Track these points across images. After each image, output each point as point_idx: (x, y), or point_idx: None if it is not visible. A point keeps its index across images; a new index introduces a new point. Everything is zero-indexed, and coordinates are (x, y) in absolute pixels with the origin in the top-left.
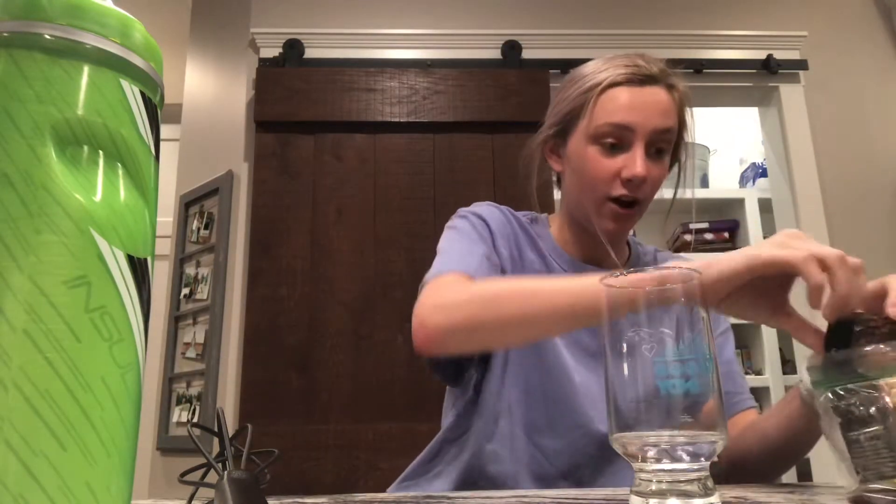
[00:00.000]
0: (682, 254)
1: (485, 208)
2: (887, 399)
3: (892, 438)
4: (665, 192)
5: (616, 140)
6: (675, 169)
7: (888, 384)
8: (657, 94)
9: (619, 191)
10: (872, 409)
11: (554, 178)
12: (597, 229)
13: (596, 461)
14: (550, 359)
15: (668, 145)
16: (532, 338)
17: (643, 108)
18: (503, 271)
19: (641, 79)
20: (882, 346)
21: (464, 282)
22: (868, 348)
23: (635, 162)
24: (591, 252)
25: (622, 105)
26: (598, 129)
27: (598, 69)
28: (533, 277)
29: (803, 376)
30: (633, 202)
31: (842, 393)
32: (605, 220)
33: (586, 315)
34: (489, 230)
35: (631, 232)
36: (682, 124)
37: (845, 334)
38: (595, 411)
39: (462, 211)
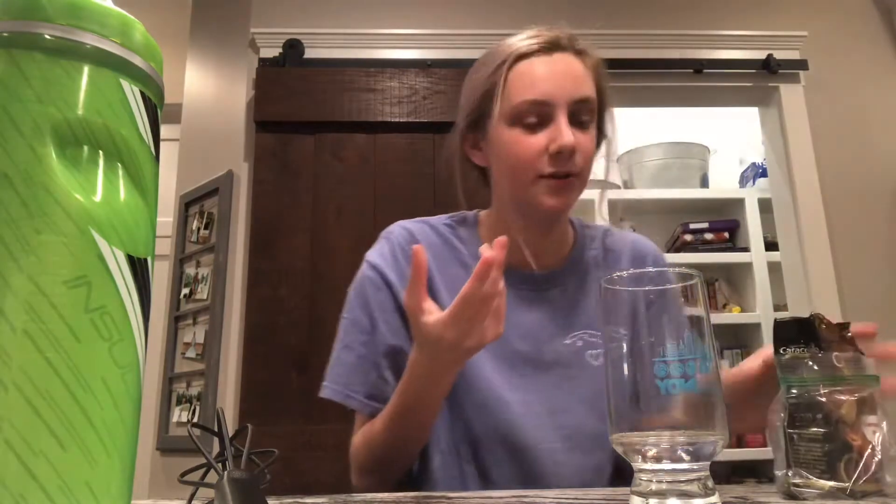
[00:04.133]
0: (636, 234)
1: (386, 248)
2: (832, 409)
3: (831, 447)
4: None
5: (536, 117)
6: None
7: (834, 395)
8: (567, 61)
9: (549, 168)
10: (819, 415)
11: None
12: (536, 211)
13: (548, 481)
14: (483, 388)
15: (591, 115)
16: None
17: (557, 78)
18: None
19: (548, 46)
20: (836, 354)
21: (357, 451)
22: (820, 355)
23: (561, 133)
24: (523, 251)
25: (535, 78)
26: (514, 109)
27: (500, 47)
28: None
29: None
30: (567, 174)
31: (793, 391)
32: (543, 197)
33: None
34: (387, 286)
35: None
36: (601, 94)
37: (793, 332)
38: (538, 430)
39: (363, 267)
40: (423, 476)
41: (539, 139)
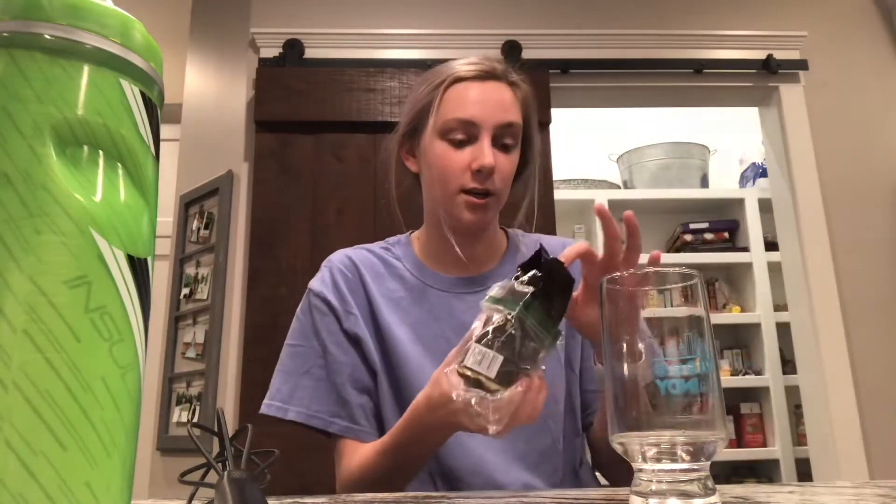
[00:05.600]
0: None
1: (327, 276)
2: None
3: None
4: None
5: (463, 135)
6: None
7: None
8: (499, 90)
9: (470, 183)
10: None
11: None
12: (456, 223)
13: (495, 470)
14: (416, 384)
15: (514, 140)
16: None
17: (486, 103)
18: (354, 338)
19: (483, 75)
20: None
21: (344, 469)
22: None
23: (483, 153)
24: (457, 255)
25: (466, 100)
26: (445, 125)
27: (444, 68)
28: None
29: None
30: (486, 193)
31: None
32: (462, 211)
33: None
34: (331, 311)
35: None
36: (527, 123)
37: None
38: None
39: (307, 296)
40: None
41: (463, 155)
